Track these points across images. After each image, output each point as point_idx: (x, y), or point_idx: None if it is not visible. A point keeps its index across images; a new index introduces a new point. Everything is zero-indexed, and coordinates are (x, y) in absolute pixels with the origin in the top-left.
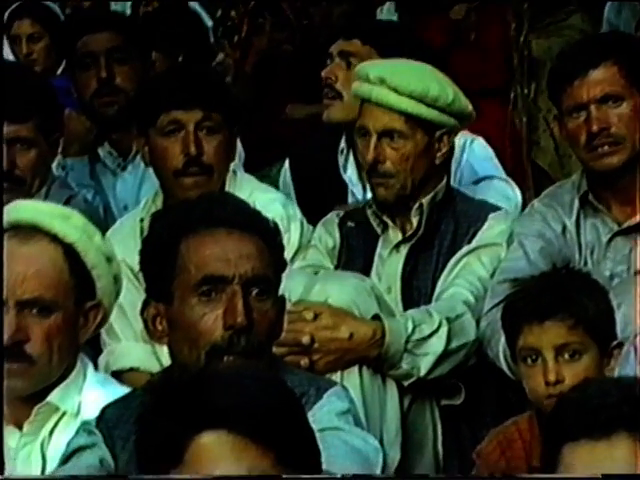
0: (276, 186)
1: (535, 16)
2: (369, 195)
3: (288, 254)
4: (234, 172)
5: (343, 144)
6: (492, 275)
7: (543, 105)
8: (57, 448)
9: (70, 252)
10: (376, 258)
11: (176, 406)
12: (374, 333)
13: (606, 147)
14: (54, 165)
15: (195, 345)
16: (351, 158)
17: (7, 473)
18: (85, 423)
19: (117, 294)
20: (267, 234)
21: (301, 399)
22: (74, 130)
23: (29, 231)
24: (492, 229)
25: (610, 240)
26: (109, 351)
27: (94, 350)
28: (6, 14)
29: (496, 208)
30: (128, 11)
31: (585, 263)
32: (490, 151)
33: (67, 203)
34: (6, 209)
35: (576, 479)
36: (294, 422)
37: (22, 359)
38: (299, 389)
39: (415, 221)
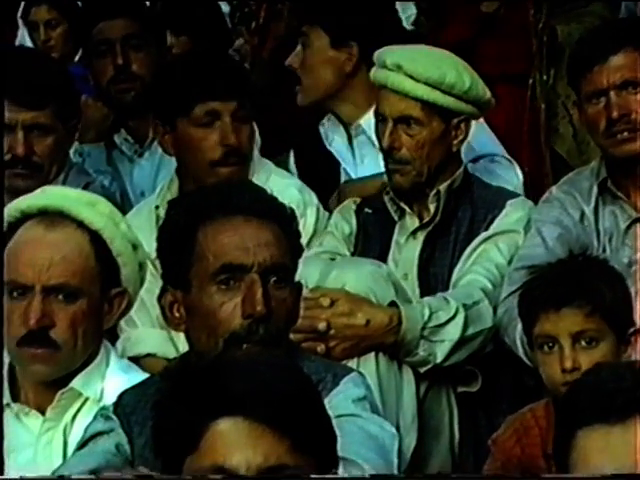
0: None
1: (555, 2)
2: (359, 169)
3: (304, 239)
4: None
5: (325, 119)
6: (509, 262)
7: (562, 91)
8: (79, 434)
9: (96, 239)
10: (393, 244)
11: (192, 393)
12: (390, 320)
13: (625, 133)
14: (71, 151)
15: (213, 333)
16: (335, 127)
17: (6, 473)
18: (103, 409)
19: (142, 281)
20: (284, 221)
21: (318, 385)
22: (91, 117)
23: (56, 217)
24: (510, 216)
25: (629, 227)
26: (125, 337)
27: (111, 336)
28: (23, 0)
29: (514, 195)
30: None
31: (603, 250)
32: (487, 129)
33: (84, 189)
34: (34, 194)
35: (579, 479)
36: (310, 409)
37: (47, 344)
38: (316, 376)
39: (432, 208)
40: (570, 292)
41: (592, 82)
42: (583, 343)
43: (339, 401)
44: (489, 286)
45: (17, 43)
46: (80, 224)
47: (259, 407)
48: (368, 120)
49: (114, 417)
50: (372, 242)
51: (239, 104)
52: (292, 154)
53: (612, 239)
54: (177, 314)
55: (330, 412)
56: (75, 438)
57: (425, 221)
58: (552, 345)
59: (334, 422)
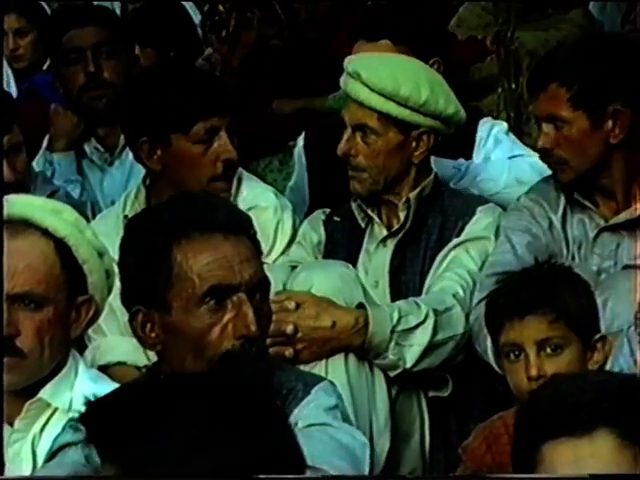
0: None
1: (526, 10)
2: None
3: (282, 242)
4: None
5: None
6: (481, 268)
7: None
8: (48, 444)
9: (61, 246)
10: (362, 252)
11: (148, 411)
12: (356, 321)
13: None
14: (40, 160)
15: (200, 354)
16: None
17: (7, 473)
18: (71, 419)
19: (109, 289)
20: (252, 233)
21: (289, 395)
22: (60, 125)
23: (20, 225)
24: (480, 222)
25: (597, 236)
26: (94, 346)
27: (79, 345)
28: None
29: (484, 201)
30: (117, 8)
31: (572, 258)
32: (504, 125)
33: (50, 197)
34: None
35: (567, 479)
36: (265, 432)
37: (13, 353)
38: (287, 385)
39: (402, 215)
40: (534, 300)
41: (535, 107)
42: (548, 350)
43: (310, 410)
44: (461, 292)
45: None
46: (45, 232)
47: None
48: None
49: (82, 427)
50: (340, 249)
51: (231, 119)
52: (301, 145)
53: (581, 247)
54: (152, 334)
55: (300, 422)
56: (44, 449)
57: (395, 229)
58: (518, 353)
59: (305, 431)
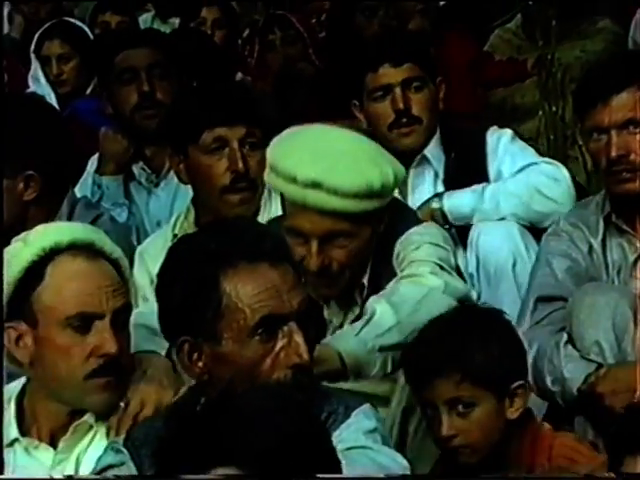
0: None
1: (560, 29)
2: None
3: None
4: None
5: None
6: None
7: (571, 122)
8: (91, 465)
9: (117, 265)
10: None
11: (191, 439)
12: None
13: (625, 173)
14: (89, 183)
15: (251, 383)
16: None
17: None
18: (113, 442)
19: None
20: (294, 259)
21: (329, 418)
22: (110, 149)
23: (86, 249)
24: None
25: (637, 260)
26: None
27: None
28: (36, 35)
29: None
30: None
31: (612, 282)
32: (521, 141)
33: (94, 222)
34: (45, 233)
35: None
36: (309, 457)
37: (118, 372)
38: (328, 408)
39: (359, 299)
40: (440, 362)
41: (594, 119)
42: (460, 408)
43: (350, 433)
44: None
45: (30, 77)
46: (102, 253)
47: (250, 458)
48: (432, 150)
49: (124, 450)
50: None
51: (248, 130)
52: None
53: (620, 271)
54: (200, 364)
55: (340, 444)
56: (86, 469)
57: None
58: (433, 409)
59: (345, 454)
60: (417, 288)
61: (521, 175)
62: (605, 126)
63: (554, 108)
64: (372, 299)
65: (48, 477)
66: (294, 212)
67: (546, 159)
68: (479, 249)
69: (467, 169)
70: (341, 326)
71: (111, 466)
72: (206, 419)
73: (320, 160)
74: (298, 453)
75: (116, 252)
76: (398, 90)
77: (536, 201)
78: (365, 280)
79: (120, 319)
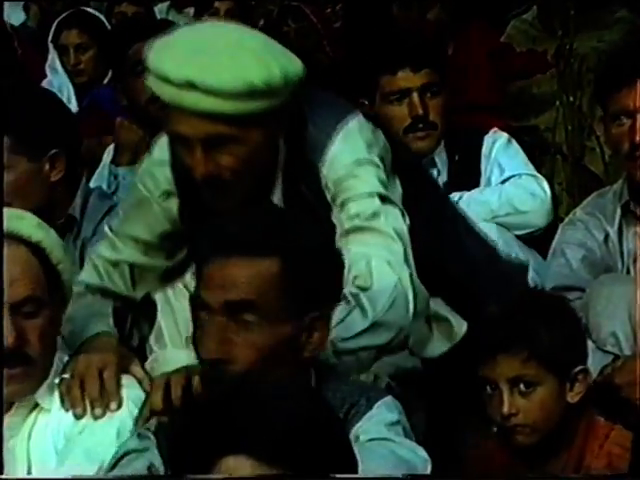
0: None
1: (579, 19)
2: None
3: None
4: None
5: None
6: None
7: (589, 112)
8: (40, 444)
9: (37, 250)
10: None
11: (205, 426)
12: None
13: None
14: (105, 173)
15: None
16: None
17: (6, 473)
18: (145, 428)
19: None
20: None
21: (351, 409)
22: (126, 139)
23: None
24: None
25: None
26: (154, 358)
27: (140, 356)
28: (54, 24)
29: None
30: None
31: (627, 271)
32: (516, 147)
33: (108, 213)
34: None
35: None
36: (322, 444)
37: (23, 362)
38: (350, 399)
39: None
40: (507, 339)
41: (619, 102)
42: (522, 388)
43: (372, 425)
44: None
45: (47, 67)
46: (19, 239)
47: (261, 446)
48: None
49: (151, 436)
50: None
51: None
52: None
53: (637, 260)
54: None
55: (362, 436)
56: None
57: None
58: (493, 387)
59: (366, 446)
60: (388, 276)
61: (501, 185)
62: (631, 109)
63: (571, 98)
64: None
65: (49, 477)
66: (174, 116)
67: (530, 171)
68: None
69: (467, 172)
70: None
71: (132, 451)
72: (218, 407)
73: (195, 58)
74: (309, 442)
75: (37, 235)
76: (416, 95)
77: (506, 212)
78: (277, 199)
79: (27, 308)
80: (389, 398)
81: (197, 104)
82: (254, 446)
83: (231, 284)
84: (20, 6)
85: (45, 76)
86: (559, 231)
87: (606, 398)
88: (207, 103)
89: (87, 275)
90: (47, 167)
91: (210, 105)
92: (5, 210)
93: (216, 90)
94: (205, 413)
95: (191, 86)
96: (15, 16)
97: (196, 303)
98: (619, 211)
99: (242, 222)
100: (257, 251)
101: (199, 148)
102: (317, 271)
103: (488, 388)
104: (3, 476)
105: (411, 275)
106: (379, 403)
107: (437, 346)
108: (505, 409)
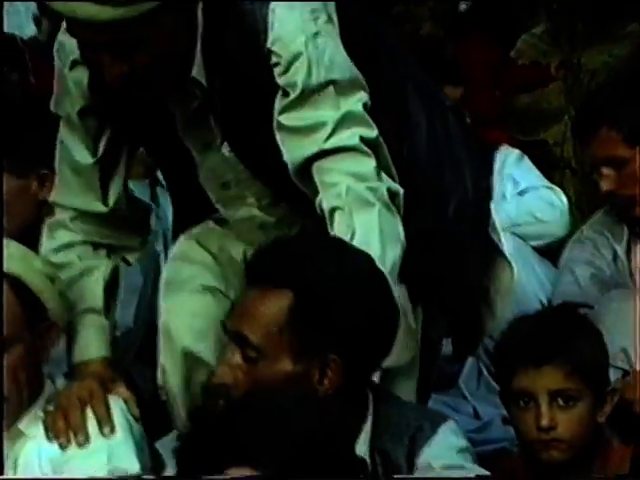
0: None
1: (588, 32)
2: None
3: None
4: None
5: None
6: None
7: None
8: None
9: (14, 282)
10: None
11: (209, 439)
12: None
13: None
14: None
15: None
16: None
17: (6, 473)
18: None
19: (65, 307)
20: None
21: (417, 433)
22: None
23: None
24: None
25: None
26: None
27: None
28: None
29: None
30: None
31: (638, 287)
32: (528, 161)
33: None
34: None
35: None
36: (325, 456)
37: None
38: (414, 423)
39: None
40: (551, 350)
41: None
42: (560, 402)
43: (442, 450)
44: None
45: None
46: None
47: (265, 458)
48: None
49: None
50: None
51: None
52: None
53: None
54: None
55: (434, 462)
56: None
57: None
58: (528, 401)
59: (443, 473)
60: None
61: (518, 196)
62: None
63: None
64: None
65: (50, 477)
66: (73, 27)
67: (547, 184)
68: None
69: None
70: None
71: None
72: (226, 419)
73: None
74: (313, 456)
75: (17, 269)
76: None
77: (525, 221)
78: (196, 72)
79: None
80: (451, 422)
81: (91, 14)
82: (257, 457)
83: (241, 314)
84: (31, 20)
85: None
86: (567, 248)
87: (616, 413)
88: (100, 12)
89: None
90: (35, 185)
91: (104, 14)
92: None
93: None
94: (212, 424)
95: None
96: (26, 29)
97: (224, 324)
98: (626, 228)
99: (260, 251)
100: (270, 282)
101: (107, 55)
102: (333, 307)
103: (521, 402)
104: (3, 476)
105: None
106: (443, 427)
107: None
108: (545, 421)
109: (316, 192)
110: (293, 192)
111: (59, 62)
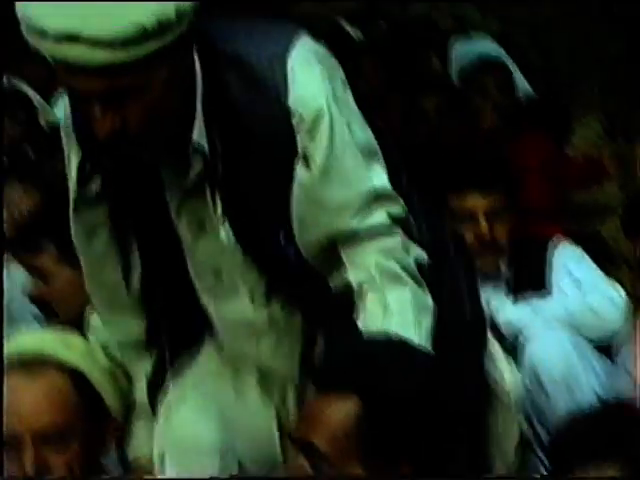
0: None
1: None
2: None
3: None
4: None
5: None
6: None
7: None
8: None
9: (76, 375)
10: None
11: None
12: None
13: None
14: None
15: None
16: None
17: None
18: None
19: (128, 407)
20: None
21: None
22: None
23: (35, 363)
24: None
25: None
26: None
27: None
28: None
29: None
30: None
31: None
32: (581, 253)
33: None
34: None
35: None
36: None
37: None
38: None
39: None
40: (607, 447)
41: None
42: None
43: None
44: None
45: None
46: (58, 365)
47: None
48: None
49: None
50: None
51: None
52: None
53: None
54: None
55: None
56: None
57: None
58: None
59: None
60: None
61: (576, 290)
62: None
63: None
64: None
65: (49, 477)
66: (62, 73)
67: (603, 277)
68: (531, 359)
69: (532, 280)
70: None
71: None
72: None
73: (72, 8)
74: None
75: (84, 365)
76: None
77: (583, 315)
78: (196, 135)
79: (52, 440)
80: None
81: (85, 58)
82: None
83: (306, 422)
84: None
85: None
86: (624, 345)
87: None
88: (96, 56)
89: None
90: None
91: (99, 58)
92: (51, 335)
93: (103, 40)
94: None
95: (72, 39)
96: None
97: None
98: None
99: (323, 356)
100: (334, 387)
101: (98, 105)
102: (401, 412)
103: None
104: (3, 476)
105: None
106: None
107: None
108: None
109: (335, 268)
110: (291, 279)
111: None
